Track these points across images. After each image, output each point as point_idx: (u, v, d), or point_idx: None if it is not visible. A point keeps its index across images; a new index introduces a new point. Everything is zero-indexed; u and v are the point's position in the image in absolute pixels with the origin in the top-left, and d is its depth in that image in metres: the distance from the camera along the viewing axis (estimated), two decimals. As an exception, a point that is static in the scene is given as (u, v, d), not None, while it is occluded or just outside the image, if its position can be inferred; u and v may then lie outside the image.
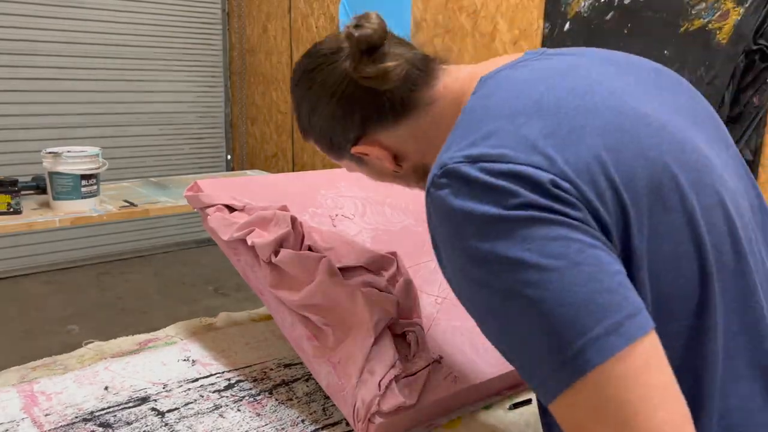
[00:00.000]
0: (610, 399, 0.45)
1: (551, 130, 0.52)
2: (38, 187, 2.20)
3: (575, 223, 0.48)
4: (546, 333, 0.47)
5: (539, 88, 0.56)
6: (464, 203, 0.50)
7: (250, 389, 0.95)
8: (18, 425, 0.83)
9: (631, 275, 0.50)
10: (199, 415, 0.87)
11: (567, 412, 0.48)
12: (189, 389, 0.94)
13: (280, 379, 0.98)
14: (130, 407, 0.89)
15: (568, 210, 0.48)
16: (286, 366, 1.03)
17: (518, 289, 0.48)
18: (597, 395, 0.46)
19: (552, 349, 0.47)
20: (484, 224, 0.49)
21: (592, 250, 0.48)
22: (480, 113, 0.57)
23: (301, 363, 1.02)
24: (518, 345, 0.50)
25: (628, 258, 0.50)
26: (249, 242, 0.94)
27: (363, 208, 1.16)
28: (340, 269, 0.92)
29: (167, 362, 1.02)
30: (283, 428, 0.85)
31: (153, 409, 0.89)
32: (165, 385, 0.95)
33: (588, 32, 2.28)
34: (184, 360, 1.03)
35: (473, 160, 0.51)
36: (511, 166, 0.50)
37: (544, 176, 0.49)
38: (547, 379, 0.48)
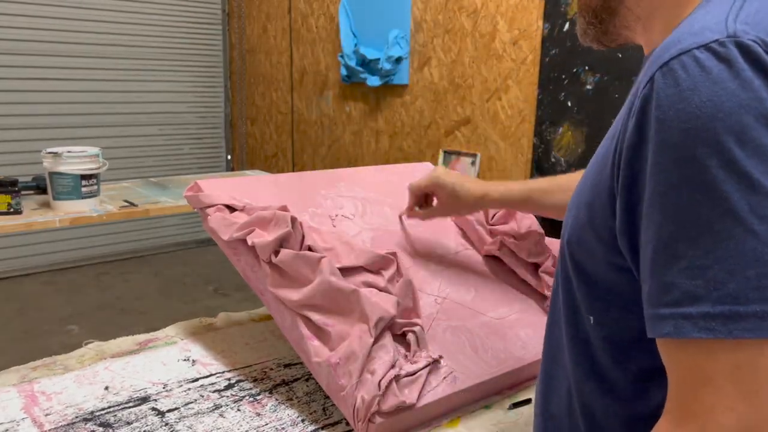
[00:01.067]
0: None
1: None
2: (38, 187, 2.20)
3: None
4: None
5: None
6: (754, 85, 0.43)
7: (250, 389, 0.95)
8: (18, 425, 0.83)
9: None
10: (200, 415, 0.87)
11: (718, 362, 0.44)
12: (189, 389, 0.94)
13: (280, 379, 0.98)
14: (130, 407, 0.89)
15: None
16: (286, 366, 1.03)
17: None
18: None
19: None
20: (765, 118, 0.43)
21: None
22: None
23: (301, 363, 1.02)
24: (719, 255, 0.44)
25: None
26: (249, 242, 0.94)
27: (363, 209, 1.16)
28: (340, 269, 0.92)
29: (167, 362, 1.02)
30: (283, 428, 0.85)
31: (153, 408, 0.89)
32: (165, 385, 0.95)
33: (588, 32, 2.28)
34: (184, 360, 1.03)
35: None
36: None
37: None
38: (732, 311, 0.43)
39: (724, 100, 0.43)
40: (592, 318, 0.60)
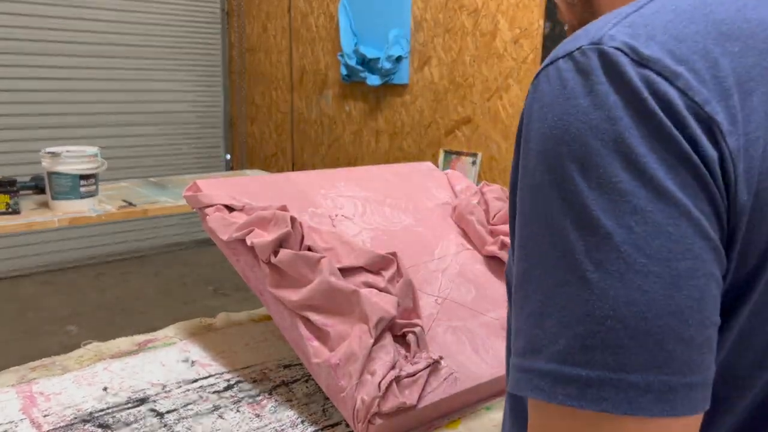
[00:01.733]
0: None
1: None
2: (37, 187, 2.19)
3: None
4: (589, 312, 0.36)
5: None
6: (608, 101, 0.37)
7: (250, 390, 0.95)
8: (17, 426, 0.83)
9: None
10: (199, 416, 0.87)
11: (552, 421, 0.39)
12: (188, 390, 0.94)
13: (279, 380, 0.98)
14: (129, 408, 0.88)
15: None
16: (286, 367, 1.03)
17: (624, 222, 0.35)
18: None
19: (590, 332, 0.36)
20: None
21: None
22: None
23: (301, 364, 1.02)
24: (534, 261, 0.39)
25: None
26: (248, 242, 0.94)
27: (363, 208, 1.16)
28: (340, 269, 0.92)
29: (166, 363, 1.02)
30: (282, 429, 0.85)
31: (152, 410, 0.88)
32: (164, 386, 0.95)
33: (588, 32, 2.27)
34: (184, 361, 1.03)
35: (640, 61, 0.37)
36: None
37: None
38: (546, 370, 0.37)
39: (572, 120, 0.37)
40: None
